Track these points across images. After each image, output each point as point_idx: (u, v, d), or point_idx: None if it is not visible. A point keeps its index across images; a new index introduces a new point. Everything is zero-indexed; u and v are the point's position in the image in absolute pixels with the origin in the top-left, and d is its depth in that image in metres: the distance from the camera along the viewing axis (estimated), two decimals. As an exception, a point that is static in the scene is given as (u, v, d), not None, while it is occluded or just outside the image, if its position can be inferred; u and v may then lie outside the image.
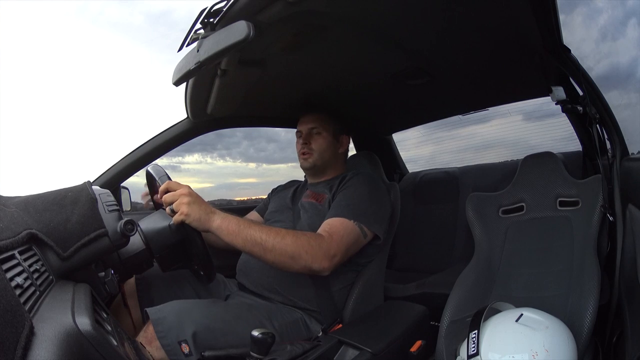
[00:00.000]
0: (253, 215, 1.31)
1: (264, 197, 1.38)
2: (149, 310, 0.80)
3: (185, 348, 0.75)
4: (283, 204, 1.20)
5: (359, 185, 1.06)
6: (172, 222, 0.85)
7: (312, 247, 0.86)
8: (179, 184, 0.85)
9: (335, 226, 0.94)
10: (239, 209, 1.57)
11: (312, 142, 1.18)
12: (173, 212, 0.81)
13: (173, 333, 0.76)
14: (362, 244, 1.00)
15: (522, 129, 2.26)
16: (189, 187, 0.84)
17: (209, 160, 3.68)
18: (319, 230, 0.95)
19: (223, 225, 0.83)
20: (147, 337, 0.77)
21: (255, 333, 0.68)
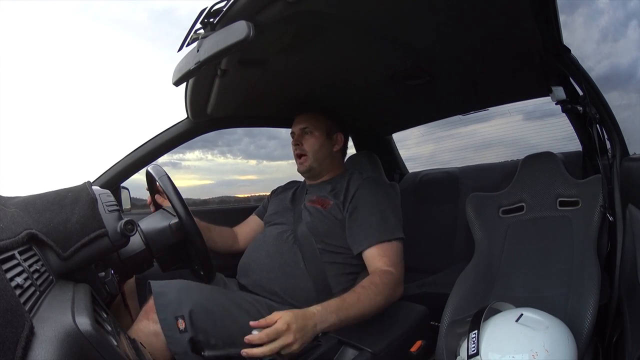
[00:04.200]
0: (252, 219, 1.31)
1: (267, 193, 1.39)
2: (152, 283, 0.81)
3: (181, 324, 0.75)
4: (283, 206, 1.20)
5: (374, 197, 1.07)
6: (171, 223, 0.85)
7: (392, 290, 0.92)
8: (271, 320, 0.73)
9: (391, 256, 0.99)
10: (241, 209, 1.58)
11: (304, 142, 1.18)
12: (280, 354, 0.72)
13: (171, 308, 0.77)
14: (403, 251, 1.04)
15: (522, 128, 2.26)
16: (283, 318, 0.73)
17: (209, 157, 3.68)
18: (379, 263, 0.97)
19: (327, 326, 0.80)
20: (147, 309, 0.79)
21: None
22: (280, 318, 0.73)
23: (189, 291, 0.81)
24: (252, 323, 0.72)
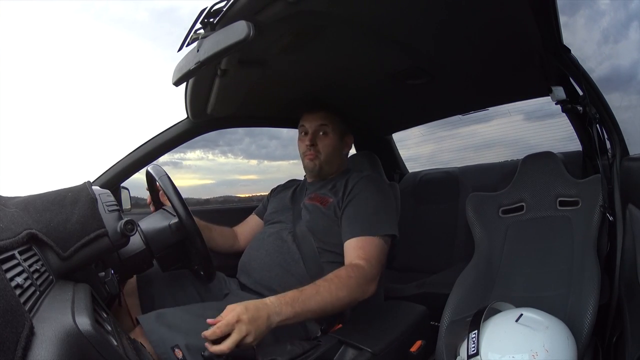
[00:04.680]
0: (252, 218, 1.31)
1: (266, 193, 1.38)
2: (140, 319, 0.79)
3: (179, 353, 0.74)
4: (283, 204, 1.20)
5: (369, 193, 1.06)
6: (171, 223, 0.84)
7: (360, 285, 0.89)
8: (221, 320, 0.71)
9: (368, 250, 0.96)
10: (241, 209, 1.58)
11: (319, 142, 1.16)
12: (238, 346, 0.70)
13: (166, 342, 0.75)
14: (387, 251, 1.02)
15: (522, 128, 2.27)
16: (234, 311, 0.72)
17: (210, 156, 3.69)
18: (354, 257, 0.95)
19: (283, 320, 0.77)
20: (137, 333, 0.78)
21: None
22: (231, 311, 0.72)
23: (178, 322, 0.78)
24: (209, 320, 0.71)
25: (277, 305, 0.77)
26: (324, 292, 0.83)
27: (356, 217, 1.02)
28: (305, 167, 1.20)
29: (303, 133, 1.19)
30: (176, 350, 0.74)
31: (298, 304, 0.79)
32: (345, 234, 1.01)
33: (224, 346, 0.69)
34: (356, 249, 0.97)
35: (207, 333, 0.70)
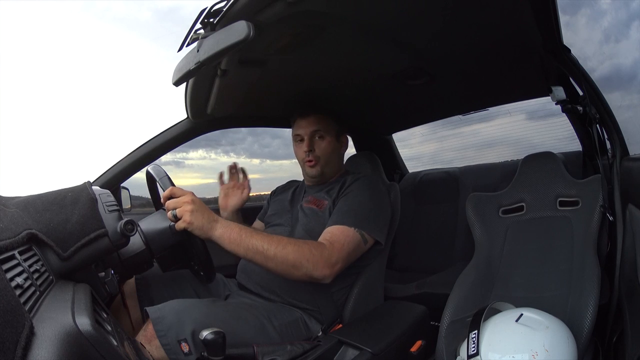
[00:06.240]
0: (256, 224, 1.30)
1: (269, 193, 1.38)
2: (148, 309, 0.80)
3: (185, 347, 0.75)
4: (282, 207, 1.20)
5: (359, 191, 1.05)
6: (172, 224, 0.85)
7: (313, 255, 0.86)
8: (182, 190, 0.84)
9: (336, 234, 0.94)
10: (243, 209, 1.57)
11: (316, 147, 1.13)
12: (175, 218, 0.81)
13: (172, 332, 0.76)
14: (363, 250, 0.99)
15: (524, 127, 2.26)
16: (192, 193, 0.83)
17: (213, 156, 3.68)
18: (320, 239, 0.94)
19: (225, 234, 0.83)
20: (147, 336, 0.77)
21: (205, 333, 0.66)
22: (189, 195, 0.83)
23: (187, 312, 0.80)
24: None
25: (226, 222, 0.85)
26: (273, 239, 0.85)
27: (340, 209, 1.02)
28: (306, 174, 1.18)
29: (299, 140, 1.16)
30: (182, 344, 0.74)
31: (245, 233, 0.84)
32: (327, 224, 1.00)
33: (170, 203, 0.81)
34: (326, 234, 0.95)
35: (166, 192, 0.82)
